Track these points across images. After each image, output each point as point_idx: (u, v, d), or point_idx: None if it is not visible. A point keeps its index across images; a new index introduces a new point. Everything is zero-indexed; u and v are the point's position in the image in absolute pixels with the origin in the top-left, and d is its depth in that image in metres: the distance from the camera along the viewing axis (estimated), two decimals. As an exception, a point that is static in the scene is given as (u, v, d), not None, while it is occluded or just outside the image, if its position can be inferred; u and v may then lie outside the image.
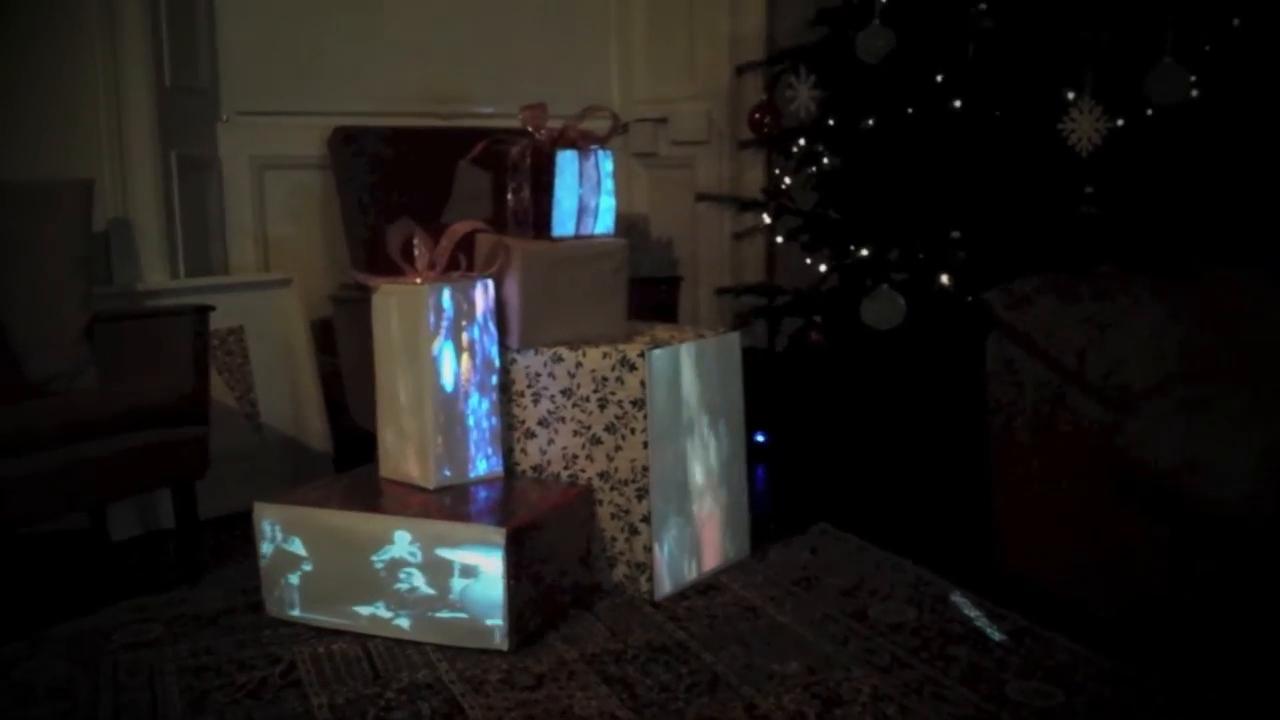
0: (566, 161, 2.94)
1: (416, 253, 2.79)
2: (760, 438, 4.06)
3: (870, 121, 3.72)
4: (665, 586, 2.85)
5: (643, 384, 2.77)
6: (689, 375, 2.92)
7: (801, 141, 4.04)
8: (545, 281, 2.93)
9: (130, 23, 3.62)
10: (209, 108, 4.11)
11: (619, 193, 3.10)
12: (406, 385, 2.79)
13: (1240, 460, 2.19)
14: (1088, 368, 2.59)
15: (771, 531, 3.29)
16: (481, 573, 2.51)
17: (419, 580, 2.57)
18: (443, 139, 4.19)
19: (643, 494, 2.80)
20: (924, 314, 3.48)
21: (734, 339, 3.13)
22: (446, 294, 2.75)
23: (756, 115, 4.21)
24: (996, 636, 2.56)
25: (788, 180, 4.20)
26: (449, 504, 2.71)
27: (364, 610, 2.63)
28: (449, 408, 2.77)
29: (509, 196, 3.03)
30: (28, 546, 3.24)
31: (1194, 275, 2.76)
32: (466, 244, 2.91)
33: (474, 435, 2.82)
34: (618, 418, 2.81)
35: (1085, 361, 2.59)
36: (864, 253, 3.71)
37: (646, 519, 2.80)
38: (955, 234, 3.49)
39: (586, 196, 2.99)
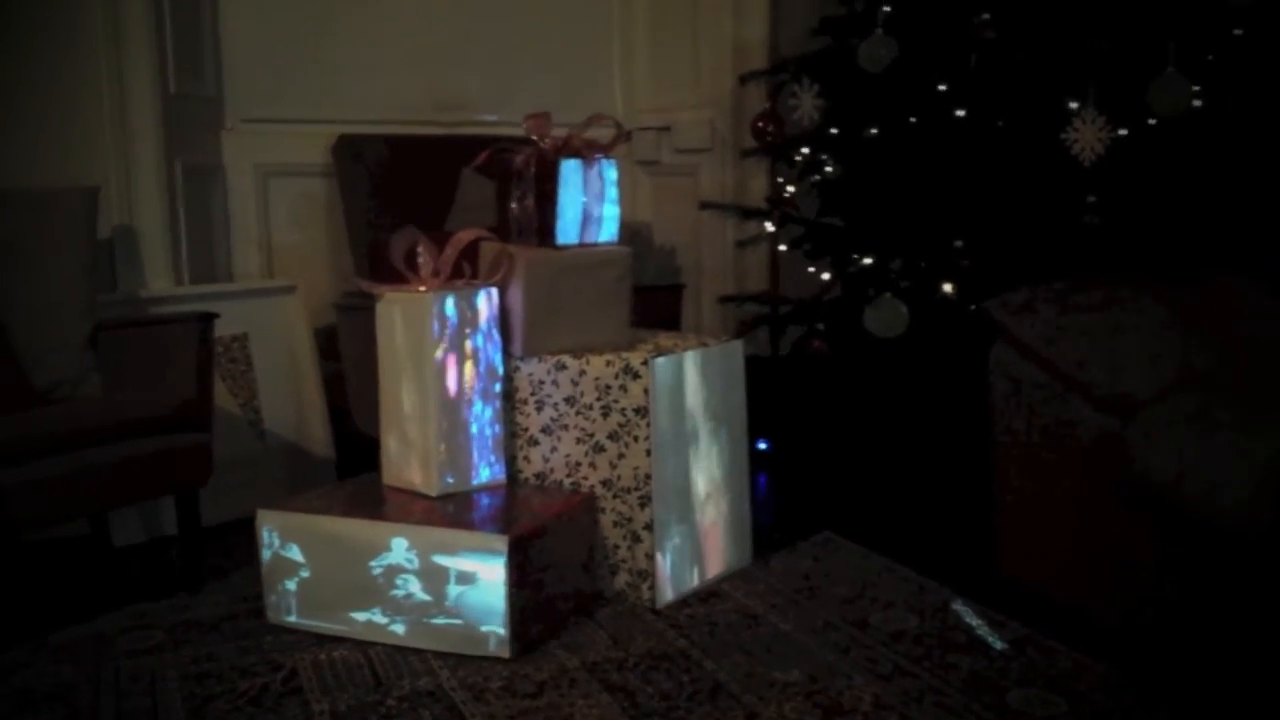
0: (570, 170, 2.95)
1: (420, 260, 2.80)
2: (762, 445, 4.06)
3: (873, 130, 3.72)
4: (667, 594, 2.85)
5: (646, 392, 2.77)
6: (692, 383, 2.93)
7: (805, 150, 4.05)
8: (549, 289, 2.93)
9: (135, 31, 3.64)
10: (214, 115, 4.13)
11: (622, 201, 3.10)
12: (410, 392, 2.80)
13: (1241, 469, 2.19)
14: (1089, 376, 2.59)
15: (774, 539, 3.29)
16: (479, 579, 2.52)
17: (415, 586, 2.57)
18: (446, 147, 4.20)
19: (645, 502, 2.80)
20: (927, 322, 3.49)
21: (737, 347, 3.13)
22: (450, 302, 2.76)
23: (759, 124, 4.22)
24: (998, 645, 2.55)
25: (791, 189, 4.21)
26: (452, 511, 2.71)
27: (360, 616, 2.63)
28: (452, 415, 2.78)
29: (513, 205, 3.04)
30: (30, 552, 3.25)
31: (1196, 284, 2.76)
32: (470, 252, 2.92)
33: (477, 443, 2.83)
34: (620, 425, 2.82)
35: (1087, 370, 2.60)
36: (867, 261, 3.71)
37: (649, 527, 2.80)
38: (958, 243, 3.50)
39: (590, 205, 3.00)
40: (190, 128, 3.92)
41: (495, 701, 2.33)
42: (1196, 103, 3.16)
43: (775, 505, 3.75)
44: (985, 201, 3.46)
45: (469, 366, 2.80)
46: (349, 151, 4.12)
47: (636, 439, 2.80)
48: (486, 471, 2.86)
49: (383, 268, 2.98)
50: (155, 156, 3.71)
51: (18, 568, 3.18)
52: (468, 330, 2.79)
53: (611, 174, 3.03)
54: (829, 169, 3.98)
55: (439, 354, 2.74)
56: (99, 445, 2.78)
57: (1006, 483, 2.84)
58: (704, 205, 4.47)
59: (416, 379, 2.78)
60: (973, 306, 3.34)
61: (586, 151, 2.99)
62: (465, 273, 2.88)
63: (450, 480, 2.80)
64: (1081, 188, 3.30)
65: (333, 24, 4.30)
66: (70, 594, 3.02)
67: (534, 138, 2.99)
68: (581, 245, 3.02)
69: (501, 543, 2.49)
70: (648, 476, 2.79)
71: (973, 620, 2.70)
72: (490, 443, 2.86)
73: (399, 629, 2.60)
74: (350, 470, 3.51)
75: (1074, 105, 3.24)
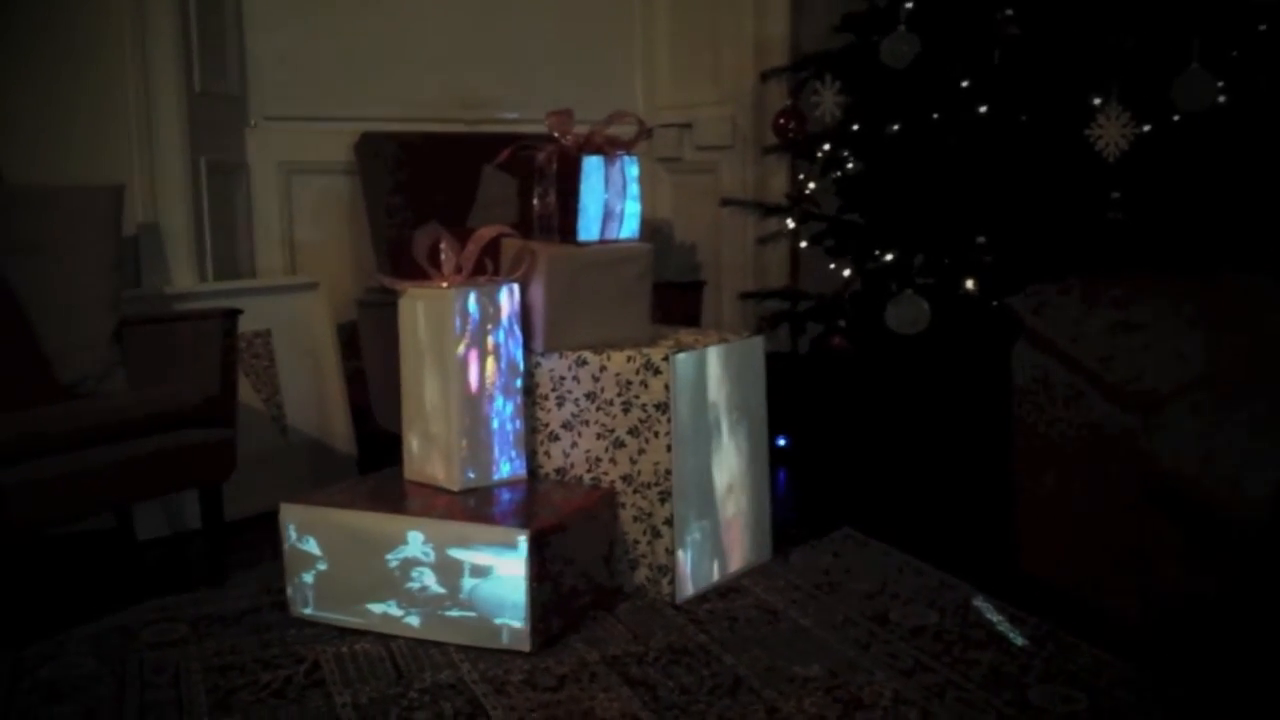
0: (592, 167, 2.95)
1: (443, 257, 2.81)
2: (781, 441, 4.06)
3: (895, 127, 3.72)
4: (687, 589, 2.86)
5: (666, 388, 2.78)
6: (713, 379, 2.93)
7: (826, 146, 4.04)
8: (570, 286, 2.94)
9: (161, 30, 3.66)
10: (238, 113, 4.15)
11: (643, 198, 3.11)
12: (432, 388, 2.81)
13: (1264, 465, 2.18)
14: (1112, 372, 2.58)
15: (793, 535, 3.29)
16: (495, 573, 2.53)
17: (430, 579, 2.59)
18: (468, 144, 4.22)
19: (665, 497, 2.81)
20: (948, 319, 3.48)
21: (757, 343, 3.14)
22: (473, 298, 2.77)
23: (781, 120, 4.21)
24: (1019, 641, 2.55)
25: (812, 185, 4.20)
26: (473, 506, 2.72)
27: (376, 608, 2.65)
28: (474, 411, 2.79)
29: (535, 201, 3.05)
30: (55, 546, 3.28)
31: (1220, 280, 2.74)
32: (492, 248, 2.93)
33: (498, 438, 2.84)
34: (641, 421, 2.82)
35: (1110, 366, 2.58)
36: (888, 257, 3.71)
37: (669, 522, 2.81)
38: (980, 239, 3.49)
39: (612, 201, 3.00)
40: (214, 126, 3.95)
41: (516, 694, 2.34)
42: (1221, 99, 3.14)
43: (795, 501, 3.75)
44: (1008, 198, 3.45)
45: (490, 362, 2.81)
46: (371, 149, 4.14)
47: (657, 434, 2.80)
48: (507, 467, 2.87)
49: (405, 264, 2.99)
50: (180, 154, 3.74)
51: (43, 561, 3.21)
52: (489, 326, 2.80)
53: (633, 170, 3.03)
54: (850, 165, 3.98)
55: (461, 350, 2.76)
56: (124, 440, 2.80)
57: (1028, 479, 2.83)
58: (724, 202, 4.47)
59: (439, 374, 2.79)
60: (995, 303, 3.33)
61: (608, 148, 2.99)
62: (487, 269, 2.89)
63: (472, 475, 2.81)
64: (1105, 184, 3.28)
65: (355, 22, 4.32)
66: (94, 587, 3.04)
67: (556, 134, 2.99)
68: (603, 242, 3.02)
69: (522, 537, 2.50)
70: (668, 472, 2.80)
71: (993, 616, 2.69)
72: (511, 438, 2.87)
73: (414, 621, 2.62)
74: (371, 466, 3.52)
75: (1098, 101, 3.22)
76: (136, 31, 3.63)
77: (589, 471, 2.91)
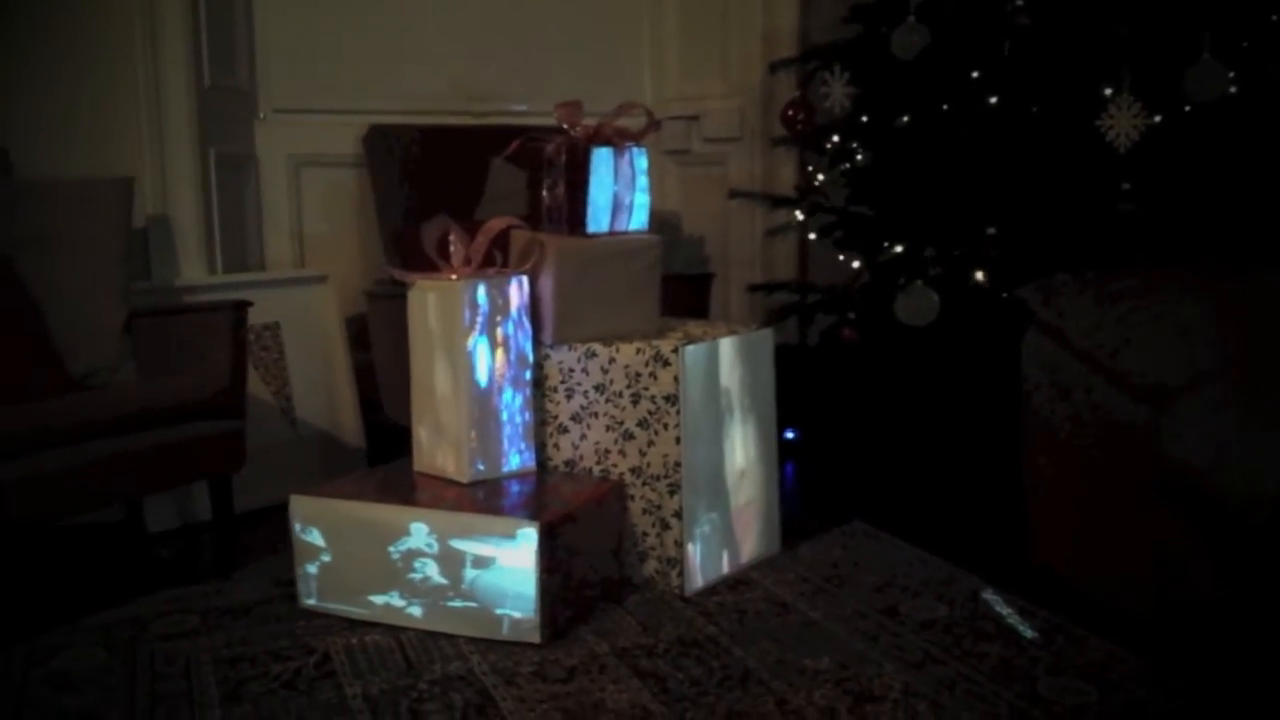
0: (601, 158, 2.95)
1: (452, 249, 2.81)
2: (790, 434, 4.06)
3: (905, 118, 3.71)
4: (696, 581, 2.86)
5: (676, 380, 2.78)
6: (722, 371, 2.93)
7: (835, 138, 4.03)
8: (579, 278, 2.94)
9: (170, 23, 3.67)
10: (247, 107, 4.16)
11: (651, 190, 3.10)
12: (442, 380, 2.81)
13: (1276, 459, 2.17)
14: (1123, 364, 2.57)
15: (803, 528, 3.29)
16: (496, 563, 2.53)
17: (432, 570, 2.60)
18: (476, 137, 4.22)
19: (674, 489, 2.81)
20: (958, 311, 3.47)
21: (767, 335, 3.13)
22: (482, 290, 2.77)
23: (789, 112, 4.20)
24: (1028, 634, 2.54)
25: (820, 177, 4.19)
26: (482, 498, 2.73)
27: (379, 599, 2.66)
28: (483, 403, 2.79)
29: (544, 193, 3.05)
30: (66, 537, 3.29)
31: (1231, 272, 2.73)
32: (502, 240, 2.93)
33: (507, 430, 2.84)
34: (650, 413, 2.82)
35: (1121, 358, 2.58)
36: (898, 249, 3.70)
37: (678, 514, 2.81)
38: (990, 230, 3.48)
39: (621, 193, 3.00)
40: (223, 119, 3.95)
41: (526, 686, 2.34)
42: (1232, 89, 3.13)
43: (804, 494, 3.74)
44: (1018, 189, 3.44)
45: (500, 354, 2.81)
46: (380, 141, 4.14)
47: (666, 426, 2.80)
48: (516, 459, 2.87)
49: (414, 256, 2.99)
50: (189, 147, 3.75)
51: (53, 552, 3.22)
52: (499, 318, 2.80)
53: (642, 162, 3.03)
54: (859, 157, 3.97)
55: (470, 342, 2.76)
56: (134, 432, 2.81)
57: (1038, 471, 2.83)
58: (733, 194, 4.47)
59: (448, 366, 2.79)
60: (1005, 295, 3.32)
61: (617, 140, 2.99)
62: (496, 261, 2.88)
63: (481, 467, 2.81)
64: (1116, 175, 3.27)
65: (364, 15, 4.33)
66: (105, 578, 3.05)
67: (565, 126, 2.99)
68: (612, 234, 3.02)
69: (530, 529, 2.50)
70: (677, 464, 2.80)
71: (1003, 609, 2.69)
72: (520, 430, 2.87)
73: (416, 611, 2.62)
74: (380, 458, 3.53)
75: (1109, 92, 3.21)
76: (146, 25, 3.63)
77: (598, 463, 2.91)
